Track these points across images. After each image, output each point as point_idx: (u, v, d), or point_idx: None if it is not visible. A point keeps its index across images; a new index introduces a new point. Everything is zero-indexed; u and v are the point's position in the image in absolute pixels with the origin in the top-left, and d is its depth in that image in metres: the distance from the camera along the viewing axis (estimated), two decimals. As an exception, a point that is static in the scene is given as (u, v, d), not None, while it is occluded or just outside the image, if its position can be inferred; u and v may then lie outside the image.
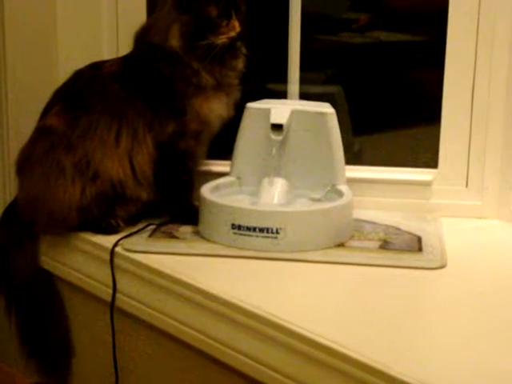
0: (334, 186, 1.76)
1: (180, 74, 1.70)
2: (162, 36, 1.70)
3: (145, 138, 1.71)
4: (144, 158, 1.71)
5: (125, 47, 1.80)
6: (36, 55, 1.90)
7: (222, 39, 1.69)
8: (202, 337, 1.49)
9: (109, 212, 1.72)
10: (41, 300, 1.79)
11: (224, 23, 1.70)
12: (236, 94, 1.78)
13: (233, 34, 1.70)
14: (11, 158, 1.82)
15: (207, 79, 1.71)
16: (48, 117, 1.72)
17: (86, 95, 1.72)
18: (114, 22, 1.92)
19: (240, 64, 1.77)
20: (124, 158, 1.70)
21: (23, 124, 1.82)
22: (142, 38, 1.75)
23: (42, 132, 1.72)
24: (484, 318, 1.39)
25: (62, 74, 1.81)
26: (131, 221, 1.74)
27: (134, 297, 1.61)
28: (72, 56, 1.88)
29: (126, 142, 1.70)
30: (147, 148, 1.71)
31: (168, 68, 1.70)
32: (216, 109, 1.74)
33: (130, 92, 1.71)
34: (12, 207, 1.80)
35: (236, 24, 1.70)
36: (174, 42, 1.69)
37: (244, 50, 1.78)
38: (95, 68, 1.75)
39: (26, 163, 1.74)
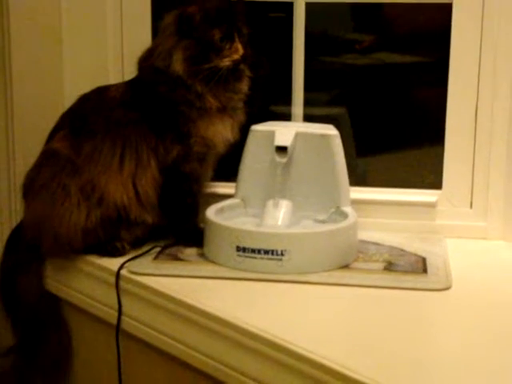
0: (338, 207, 1.77)
1: (183, 97, 1.70)
2: (165, 60, 1.71)
3: (149, 162, 1.71)
4: (148, 182, 1.72)
5: (130, 72, 1.80)
6: (42, 80, 1.91)
7: (225, 62, 1.70)
8: (206, 359, 1.49)
9: (114, 235, 1.72)
10: (47, 323, 1.79)
11: (227, 46, 1.70)
12: (241, 117, 1.78)
13: (236, 56, 1.71)
14: (17, 182, 1.83)
15: (211, 102, 1.71)
16: (54, 141, 1.74)
17: (91, 120, 1.73)
18: (119, 47, 1.93)
19: (244, 87, 1.78)
20: (128, 183, 1.71)
21: (29, 148, 1.83)
22: (145, 62, 1.76)
23: (47, 156, 1.73)
24: (490, 340, 1.38)
25: (68, 99, 1.82)
26: (136, 243, 1.74)
27: (140, 319, 1.61)
28: (77, 81, 1.89)
29: (129, 167, 1.70)
30: (151, 172, 1.72)
31: (171, 92, 1.70)
32: (221, 131, 1.75)
33: (134, 116, 1.71)
34: (18, 230, 1.80)
35: (239, 46, 1.71)
36: (178, 66, 1.70)
37: (248, 73, 1.78)
38: (100, 92, 1.76)
39: (31, 187, 1.74)
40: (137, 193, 1.71)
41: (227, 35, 1.70)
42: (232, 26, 1.71)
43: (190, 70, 1.69)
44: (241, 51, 1.71)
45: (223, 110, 1.74)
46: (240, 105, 1.78)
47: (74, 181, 1.69)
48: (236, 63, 1.71)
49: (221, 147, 1.77)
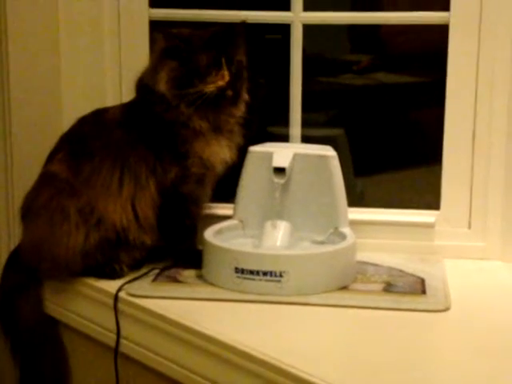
0: (336, 228, 1.77)
1: (177, 118, 1.70)
2: (152, 79, 1.71)
3: (147, 184, 1.71)
4: (147, 204, 1.72)
5: (128, 94, 1.81)
6: (40, 102, 1.92)
7: (209, 88, 1.68)
8: (205, 381, 1.49)
9: (112, 257, 1.72)
10: (45, 346, 1.78)
11: (213, 72, 1.69)
12: (238, 139, 1.78)
13: (221, 83, 1.69)
14: (16, 204, 1.83)
15: (200, 124, 1.71)
16: (52, 163, 1.74)
17: (89, 141, 1.73)
18: (117, 69, 1.93)
19: (239, 111, 1.77)
20: (127, 204, 1.71)
21: (28, 170, 1.83)
22: (139, 82, 1.76)
23: (46, 178, 1.74)
24: (489, 361, 1.38)
25: (66, 121, 1.82)
26: (135, 265, 1.74)
27: (138, 342, 1.61)
28: (76, 103, 1.90)
29: (128, 189, 1.70)
30: (150, 193, 1.72)
31: (166, 112, 1.70)
32: (217, 152, 1.74)
33: (131, 138, 1.72)
34: (17, 253, 1.80)
35: (225, 74, 1.69)
36: (162, 86, 1.70)
37: (245, 97, 1.78)
38: (99, 114, 1.77)
39: (30, 209, 1.74)
40: (136, 214, 1.71)
41: (215, 62, 1.69)
42: (221, 52, 1.69)
43: (174, 91, 1.69)
44: (226, 78, 1.69)
45: (219, 132, 1.74)
46: (237, 127, 1.78)
47: (72, 203, 1.69)
48: (221, 89, 1.69)
49: (218, 168, 1.77)
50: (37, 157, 1.79)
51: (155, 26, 1.92)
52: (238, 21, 1.77)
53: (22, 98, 1.91)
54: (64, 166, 1.72)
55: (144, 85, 1.74)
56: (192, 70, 1.68)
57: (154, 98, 1.71)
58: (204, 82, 1.68)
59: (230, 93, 1.71)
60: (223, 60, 1.69)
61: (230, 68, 1.70)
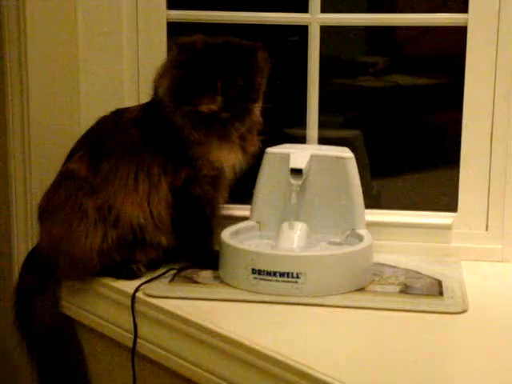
0: (353, 229, 1.77)
1: (177, 123, 1.71)
2: (157, 82, 1.74)
3: (160, 182, 1.72)
4: (161, 203, 1.72)
5: (146, 95, 1.82)
6: (59, 104, 1.92)
7: (202, 107, 1.68)
8: (222, 382, 1.49)
9: (129, 257, 1.73)
10: (61, 346, 1.79)
11: (209, 94, 1.68)
12: (251, 147, 1.77)
13: (213, 107, 1.68)
14: (34, 203, 1.84)
15: (194, 135, 1.70)
16: (71, 162, 1.75)
17: (107, 140, 1.74)
18: (135, 71, 1.94)
19: (243, 126, 1.74)
20: (143, 202, 1.71)
21: (46, 170, 1.84)
22: (153, 82, 1.77)
23: (64, 177, 1.75)
24: (506, 364, 1.38)
25: (84, 121, 1.84)
26: (152, 266, 1.75)
27: (155, 342, 1.61)
28: (94, 104, 1.91)
29: (143, 186, 1.71)
30: (163, 193, 1.72)
31: (169, 115, 1.71)
32: (225, 157, 1.74)
33: (146, 137, 1.72)
34: (34, 253, 1.81)
35: (218, 99, 1.68)
36: (161, 91, 1.72)
37: (256, 115, 1.76)
38: (118, 114, 1.78)
39: (48, 208, 1.75)
40: (151, 212, 1.72)
41: (211, 85, 1.68)
42: (220, 75, 1.68)
43: (171, 99, 1.70)
44: (219, 104, 1.68)
45: (224, 140, 1.73)
46: (249, 136, 1.77)
47: (90, 201, 1.70)
48: (213, 112, 1.69)
49: (229, 172, 1.76)
50: (55, 156, 1.80)
51: (173, 26, 1.93)
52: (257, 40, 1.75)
53: (41, 98, 1.92)
54: (83, 165, 1.73)
55: (153, 86, 1.76)
56: (191, 86, 1.68)
57: (158, 100, 1.73)
58: (199, 101, 1.68)
59: (225, 115, 1.70)
60: (219, 84, 1.68)
61: (228, 91, 1.68)
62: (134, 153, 1.72)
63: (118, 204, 1.70)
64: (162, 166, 1.72)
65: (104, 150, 1.73)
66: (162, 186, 1.72)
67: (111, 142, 1.74)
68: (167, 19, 1.93)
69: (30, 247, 1.88)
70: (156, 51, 1.92)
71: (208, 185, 1.75)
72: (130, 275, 1.71)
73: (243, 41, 1.73)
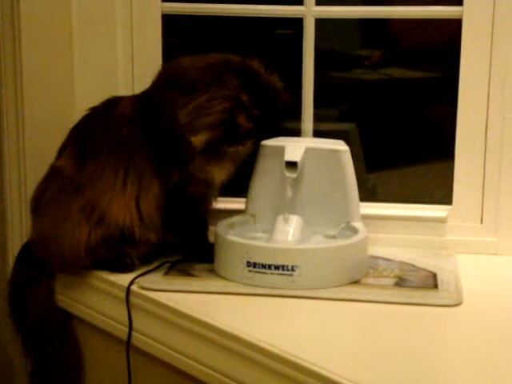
0: (348, 222, 1.77)
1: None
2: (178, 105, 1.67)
3: (151, 184, 1.69)
4: (151, 204, 1.70)
5: (140, 87, 1.81)
6: (53, 94, 1.92)
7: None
8: (217, 375, 1.49)
9: (119, 253, 1.72)
10: (56, 338, 1.79)
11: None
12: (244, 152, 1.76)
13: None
14: (28, 196, 1.83)
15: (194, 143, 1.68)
16: (60, 158, 1.74)
17: (96, 138, 1.72)
18: (129, 63, 1.94)
19: (234, 154, 1.72)
20: (131, 203, 1.69)
21: (40, 162, 1.83)
22: (163, 80, 1.73)
23: (53, 173, 1.74)
24: (501, 356, 1.38)
25: (79, 113, 1.81)
26: (145, 260, 1.74)
27: (150, 335, 1.61)
28: (88, 96, 1.89)
29: (132, 188, 1.69)
30: (154, 194, 1.70)
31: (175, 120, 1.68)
32: (218, 169, 1.72)
33: (138, 137, 1.70)
34: (28, 246, 1.81)
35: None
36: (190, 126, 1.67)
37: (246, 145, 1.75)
38: (109, 107, 1.75)
39: (38, 203, 1.75)
40: (140, 214, 1.70)
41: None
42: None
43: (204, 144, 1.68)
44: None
45: (223, 155, 1.71)
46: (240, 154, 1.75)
47: (74, 200, 1.69)
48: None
49: (219, 183, 1.75)
50: (50, 149, 1.79)
51: (168, 19, 1.92)
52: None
53: (35, 91, 1.91)
54: (70, 162, 1.71)
55: (165, 88, 1.71)
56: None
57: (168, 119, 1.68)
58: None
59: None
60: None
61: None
62: (123, 153, 1.69)
63: (104, 204, 1.68)
64: (154, 168, 1.69)
65: (93, 147, 1.71)
66: (152, 188, 1.70)
67: (100, 139, 1.71)
68: (162, 11, 1.93)
69: (25, 240, 1.87)
70: (151, 44, 1.92)
71: (202, 185, 1.73)
72: (124, 269, 1.71)
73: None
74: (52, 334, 1.79)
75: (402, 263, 1.76)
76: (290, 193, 1.76)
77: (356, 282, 1.66)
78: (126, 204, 1.69)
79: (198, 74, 1.68)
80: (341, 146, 1.79)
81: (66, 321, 1.81)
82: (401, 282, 1.65)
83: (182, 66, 1.73)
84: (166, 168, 1.70)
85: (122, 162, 1.69)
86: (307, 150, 1.78)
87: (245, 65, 1.70)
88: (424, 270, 1.72)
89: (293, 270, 1.61)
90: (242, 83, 1.67)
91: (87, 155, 1.71)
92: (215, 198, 1.81)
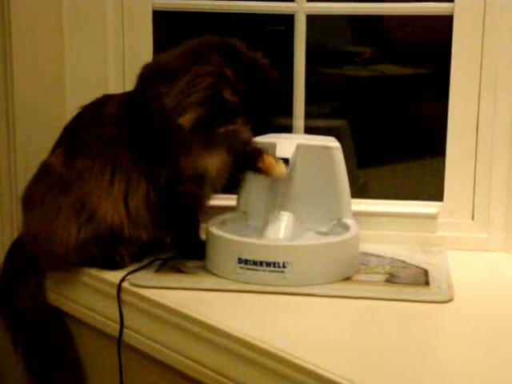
0: (340, 219, 1.77)
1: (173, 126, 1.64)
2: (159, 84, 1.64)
3: (139, 184, 1.68)
4: (140, 202, 1.69)
5: (131, 84, 1.80)
6: (44, 91, 1.92)
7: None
8: (208, 371, 1.49)
9: (109, 250, 1.71)
10: (47, 333, 1.78)
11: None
12: (240, 143, 1.74)
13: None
14: (19, 192, 1.83)
15: (183, 137, 1.65)
16: (51, 155, 1.74)
17: (85, 137, 1.71)
18: (120, 59, 1.94)
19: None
20: (119, 202, 1.68)
21: (31, 159, 1.83)
22: (147, 80, 1.70)
23: (43, 171, 1.74)
24: (492, 352, 1.38)
25: (70, 110, 1.81)
26: (135, 257, 1.74)
27: (141, 332, 1.61)
28: (79, 92, 1.89)
29: (119, 187, 1.68)
30: (143, 192, 1.69)
31: (165, 119, 1.64)
32: (211, 161, 1.70)
33: (126, 136, 1.68)
34: (19, 241, 1.80)
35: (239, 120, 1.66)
36: (175, 108, 1.62)
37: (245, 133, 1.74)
38: (99, 106, 1.73)
39: (29, 200, 1.75)
40: (128, 212, 1.69)
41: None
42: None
43: (191, 127, 1.64)
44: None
45: (214, 141, 1.68)
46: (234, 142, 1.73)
47: (64, 198, 1.68)
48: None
49: (214, 172, 1.71)
50: (40, 145, 1.79)
51: (159, 15, 1.92)
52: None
53: (26, 88, 1.91)
54: (59, 160, 1.71)
55: (151, 87, 1.67)
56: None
57: (161, 105, 1.63)
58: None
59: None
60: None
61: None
62: (110, 152, 1.68)
63: (93, 202, 1.68)
64: (143, 167, 1.68)
65: (81, 146, 1.70)
66: (140, 186, 1.69)
67: (89, 138, 1.70)
68: (153, 7, 1.92)
69: (16, 236, 1.87)
70: (142, 39, 1.92)
71: (192, 183, 1.71)
72: (114, 266, 1.70)
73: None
74: (40, 330, 1.78)
75: (393, 260, 1.76)
76: (281, 190, 1.76)
77: (347, 279, 1.66)
78: (114, 202, 1.68)
79: (177, 60, 1.65)
80: (332, 142, 1.79)
81: (58, 318, 1.81)
82: (392, 279, 1.66)
83: (159, 60, 1.71)
84: (153, 167, 1.68)
85: (108, 161, 1.68)
86: (299, 147, 1.78)
87: (225, 42, 1.66)
88: (415, 266, 1.73)
89: (284, 266, 1.61)
90: (224, 59, 1.63)
91: (76, 153, 1.70)
92: (211, 195, 1.78)
